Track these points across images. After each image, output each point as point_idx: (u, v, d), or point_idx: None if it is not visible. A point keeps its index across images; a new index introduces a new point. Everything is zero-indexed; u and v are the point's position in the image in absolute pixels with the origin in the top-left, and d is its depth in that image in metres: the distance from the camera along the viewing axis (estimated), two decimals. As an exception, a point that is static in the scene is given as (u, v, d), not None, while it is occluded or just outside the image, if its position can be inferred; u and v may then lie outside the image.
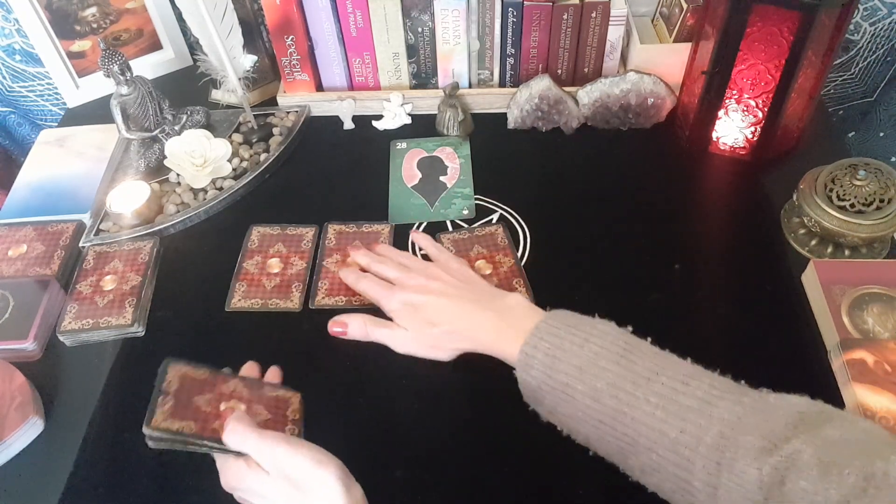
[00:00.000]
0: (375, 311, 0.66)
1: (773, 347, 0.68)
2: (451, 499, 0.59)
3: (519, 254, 0.76)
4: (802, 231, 0.76)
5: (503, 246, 0.76)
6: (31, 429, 0.64)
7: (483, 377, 0.66)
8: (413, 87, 0.95)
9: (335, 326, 0.65)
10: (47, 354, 0.71)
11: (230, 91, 0.93)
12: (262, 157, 0.89)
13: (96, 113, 0.96)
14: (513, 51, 0.90)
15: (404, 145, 0.91)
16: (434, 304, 0.62)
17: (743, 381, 0.50)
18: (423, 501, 0.59)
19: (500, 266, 0.74)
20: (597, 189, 0.84)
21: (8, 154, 1.15)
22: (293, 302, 0.73)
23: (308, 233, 0.80)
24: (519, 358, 0.54)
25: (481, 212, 0.82)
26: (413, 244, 0.78)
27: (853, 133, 1.13)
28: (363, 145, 0.92)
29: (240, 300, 0.73)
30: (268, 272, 0.76)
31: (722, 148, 0.86)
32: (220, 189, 0.85)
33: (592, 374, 0.50)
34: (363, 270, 0.70)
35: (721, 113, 0.83)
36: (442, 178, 0.86)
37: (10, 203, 0.86)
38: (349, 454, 0.62)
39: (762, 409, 0.45)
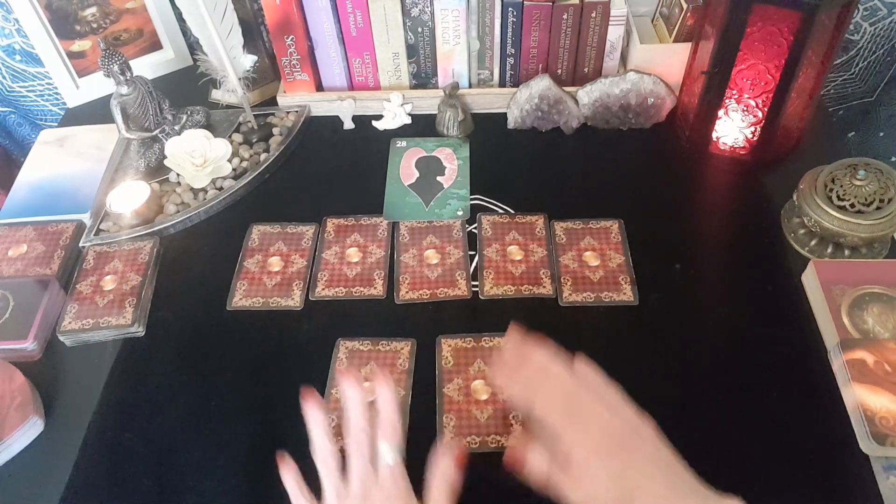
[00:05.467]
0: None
1: (773, 347, 0.68)
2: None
3: (519, 254, 0.77)
4: (802, 231, 0.76)
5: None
6: (31, 429, 0.64)
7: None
8: (413, 87, 0.95)
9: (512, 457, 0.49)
10: (47, 354, 0.71)
11: (230, 91, 0.93)
12: (262, 157, 0.89)
13: (96, 113, 0.96)
14: (513, 51, 0.90)
15: (404, 144, 0.91)
16: (648, 488, 0.43)
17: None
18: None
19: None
20: (597, 189, 0.84)
21: (8, 154, 1.15)
22: (294, 300, 0.73)
23: (308, 231, 0.80)
24: None
25: (481, 212, 0.82)
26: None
27: (853, 133, 1.13)
28: (363, 145, 0.92)
29: (241, 299, 0.74)
30: (268, 270, 0.76)
31: (722, 148, 0.86)
32: (220, 189, 0.85)
33: None
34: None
35: (721, 113, 0.83)
36: (439, 179, 0.86)
37: (10, 203, 0.86)
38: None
39: None
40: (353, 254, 0.77)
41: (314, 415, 0.50)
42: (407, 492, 0.48)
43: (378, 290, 0.74)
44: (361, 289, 0.74)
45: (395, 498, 0.48)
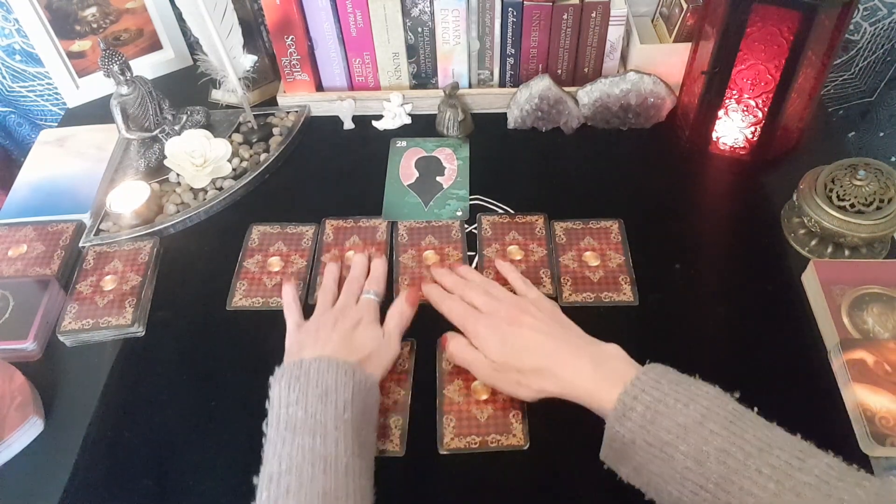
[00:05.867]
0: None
1: (773, 347, 0.68)
2: (449, 499, 0.59)
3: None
4: (802, 231, 0.76)
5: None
6: (31, 429, 0.64)
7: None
8: (413, 87, 0.95)
9: (444, 338, 0.65)
10: (47, 354, 0.71)
11: (230, 91, 0.93)
12: (262, 157, 0.89)
13: (96, 113, 0.96)
14: (513, 51, 0.90)
15: (404, 144, 0.91)
16: (526, 337, 0.60)
17: (796, 433, 0.49)
18: (421, 500, 0.59)
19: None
20: (597, 189, 0.84)
21: (8, 154, 1.15)
22: (294, 301, 0.73)
23: (308, 231, 0.80)
24: (616, 407, 0.51)
25: (481, 212, 0.82)
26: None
27: (853, 133, 1.13)
28: (363, 145, 0.92)
29: (241, 299, 0.74)
30: (268, 270, 0.76)
31: (722, 148, 0.86)
32: (220, 189, 0.85)
33: (699, 436, 0.48)
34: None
35: (721, 113, 0.83)
36: (439, 179, 0.86)
37: (10, 203, 0.86)
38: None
39: (885, 497, 0.44)
40: (352, 257, 0.76)
41: (329, 267, 0.73)
42: (374, 315, 0.67)
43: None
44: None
45: (365, 316, 0.66)
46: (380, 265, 0.73)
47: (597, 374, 0.55)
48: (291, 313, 0.68)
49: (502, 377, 0.60)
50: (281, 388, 0.56)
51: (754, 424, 0.49)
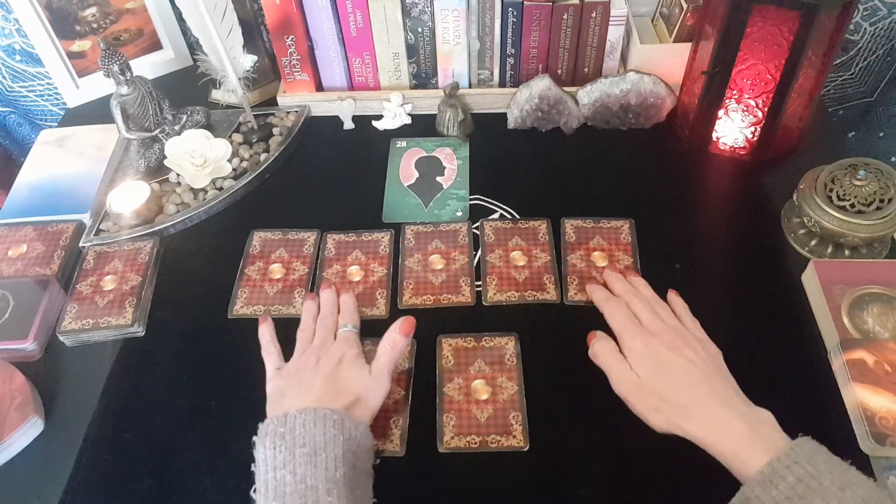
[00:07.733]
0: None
1: (773, 347, 0.68)
2: (449, 498, 0.59)
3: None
4: (802, 231, 0.76)
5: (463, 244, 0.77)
6: (31, 429, 0.64)
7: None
8: (413, 87, 0.95)
9: (591, 335, 0.64)
10: (47, 354, 0.71)
11: (230, 91, 0.93)
12: (262, 157, 0.89)
13: (96, 113, 0.96)
14: (513, 51, 0.90)
15: (404, 144, 0.91)
16: (682, 369, 0.57)
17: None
18: (421, 499, 0.59)
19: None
20: (596, 189, 0.84)
21: (8, 154, 1.15)
22: (296, 307, 0.73)
23: (310, 237, 0.80)
24: (763, 470, 0.48)
25: (481, 212, 0.82)
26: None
27: (853, 133, 1.13)
28: (363, 145, 0.92)
29: (242, 307, 0.73)
30: (270, 278, 0.76)
31: (722, 148, 0.86)
32: (220, 189, 0.85)
33: None
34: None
35: (721, 113, 0.83)
36: (439, 179, 0.86)
37: (10, 203, 0.86)
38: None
39: None
40: (356, 272, 0.76)
41: (307, 305, 0.70)
42: (356, 349, 0.64)
43: (381, 310, 0.72)
44: (364, 309, 0.72)
45: (346, 352, 0.62)
46: (348, 298, 0.70)
47: (750, 436, 0.52)
48: (270, 356, 0.65)
49: (643, 397, 0.57)
50: (266, 450, 0.53)
51: None
